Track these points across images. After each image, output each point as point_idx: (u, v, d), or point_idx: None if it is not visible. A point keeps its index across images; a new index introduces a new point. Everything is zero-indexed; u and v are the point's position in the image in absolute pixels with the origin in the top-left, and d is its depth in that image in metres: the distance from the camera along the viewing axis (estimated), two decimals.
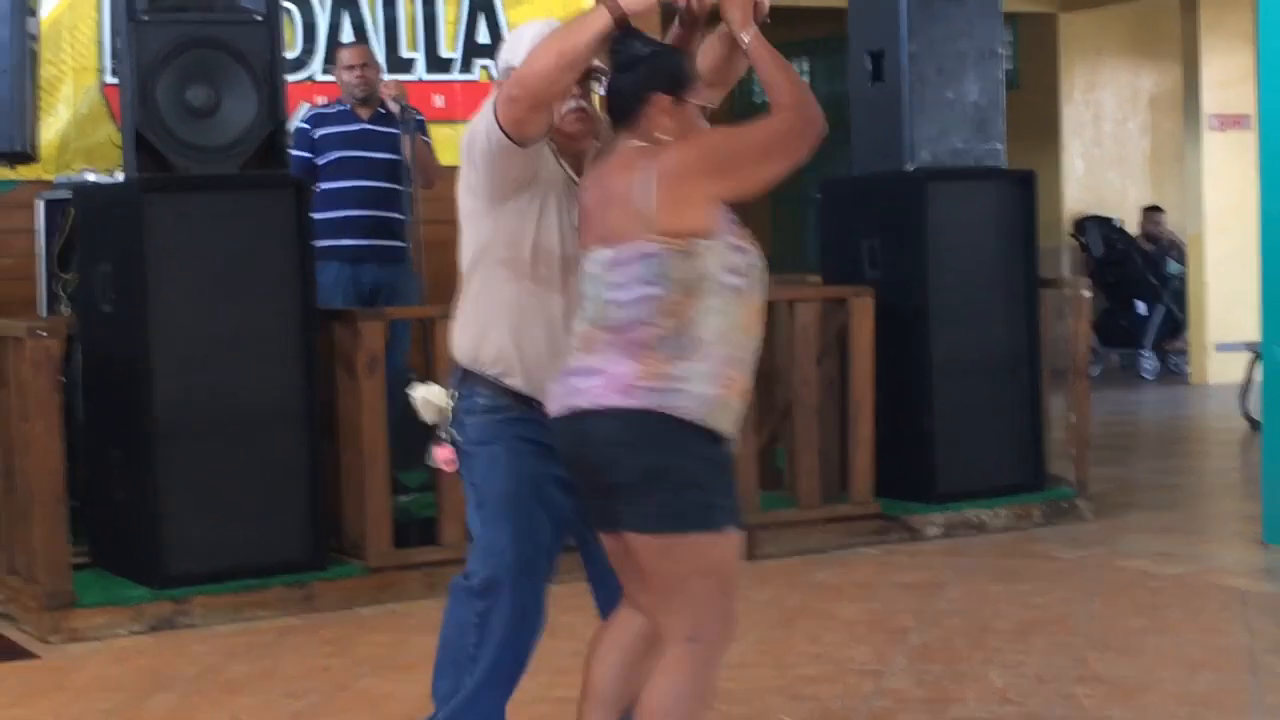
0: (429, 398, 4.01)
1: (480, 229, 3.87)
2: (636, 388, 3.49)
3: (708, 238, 3.54)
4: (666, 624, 3.62)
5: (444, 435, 3.96)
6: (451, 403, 3.95)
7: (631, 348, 3.52)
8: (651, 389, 3.49)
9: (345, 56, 7.86)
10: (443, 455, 3.96)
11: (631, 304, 3.53)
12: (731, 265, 3.57)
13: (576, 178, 3.83)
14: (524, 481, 3.88)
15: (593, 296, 3.61)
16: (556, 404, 3.63)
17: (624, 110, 3.66)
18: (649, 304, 3.51)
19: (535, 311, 3.83)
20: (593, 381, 3.54)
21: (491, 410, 3.89)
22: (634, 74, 3.63)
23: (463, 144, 3.87)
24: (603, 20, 3.58)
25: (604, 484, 3.59)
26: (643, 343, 3.51)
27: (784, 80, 3.68)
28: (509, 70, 3.80)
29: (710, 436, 3.55)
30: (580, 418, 3.56)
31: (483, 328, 3.89)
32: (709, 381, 3.52)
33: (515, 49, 3.86)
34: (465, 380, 3.93)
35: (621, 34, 3.63)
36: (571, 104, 3.80)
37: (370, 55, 7.96)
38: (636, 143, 3.64)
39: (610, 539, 3.71)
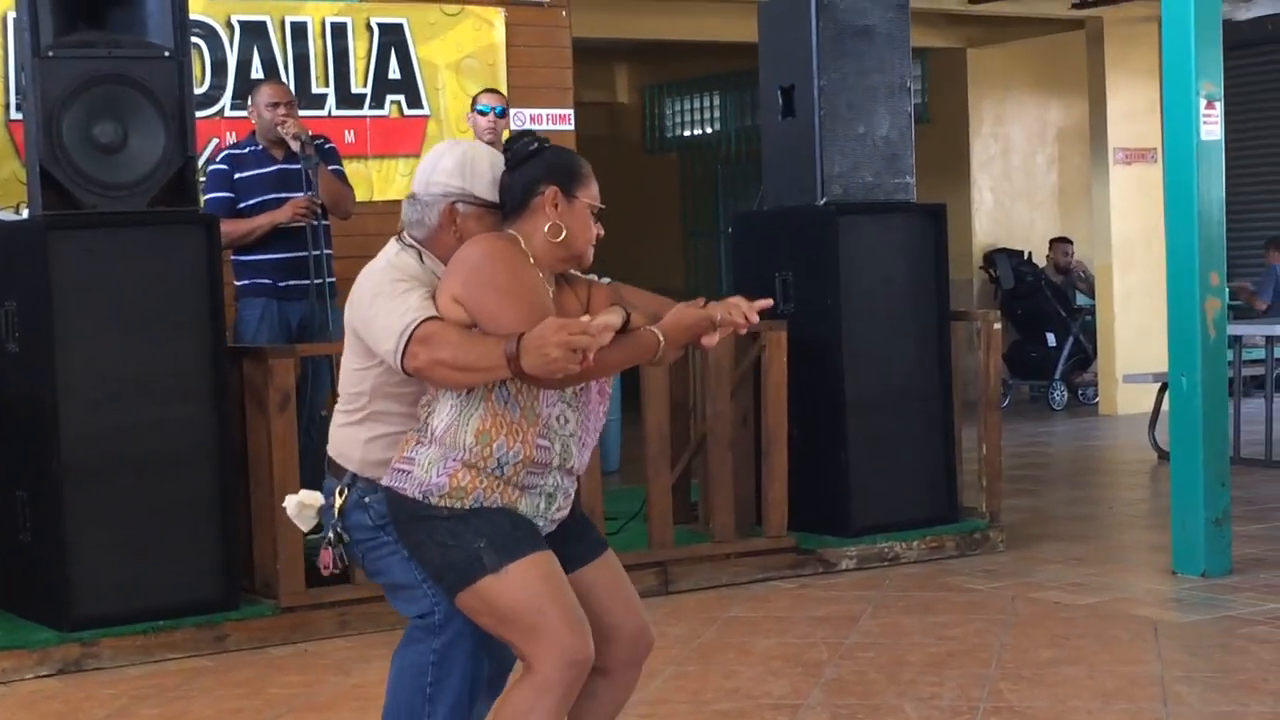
0: (304, 501, 3.90)
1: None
2: (382, 465, 3.71)
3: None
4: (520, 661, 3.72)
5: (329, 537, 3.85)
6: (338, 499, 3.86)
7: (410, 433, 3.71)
8: (393, 469, 3.68)
9: (266, 94, 7.75)
10: (324, 559, 3.86)
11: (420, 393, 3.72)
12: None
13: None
14: None
15: None
16: None
17: (513, 200, 3.73)
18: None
19: None
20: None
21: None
22: (526, 169, 3.72)
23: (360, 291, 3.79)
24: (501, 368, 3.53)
25: None
26: (413, 426, 3.71)
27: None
28: (455, 191, 3.78)
29: (437, 508, 3.62)
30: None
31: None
32: (431, 469, 3.63)
33: (472, 174, 3.79)
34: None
35: (515, 134, 3.80)
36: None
37: (291, 93, 7.88)
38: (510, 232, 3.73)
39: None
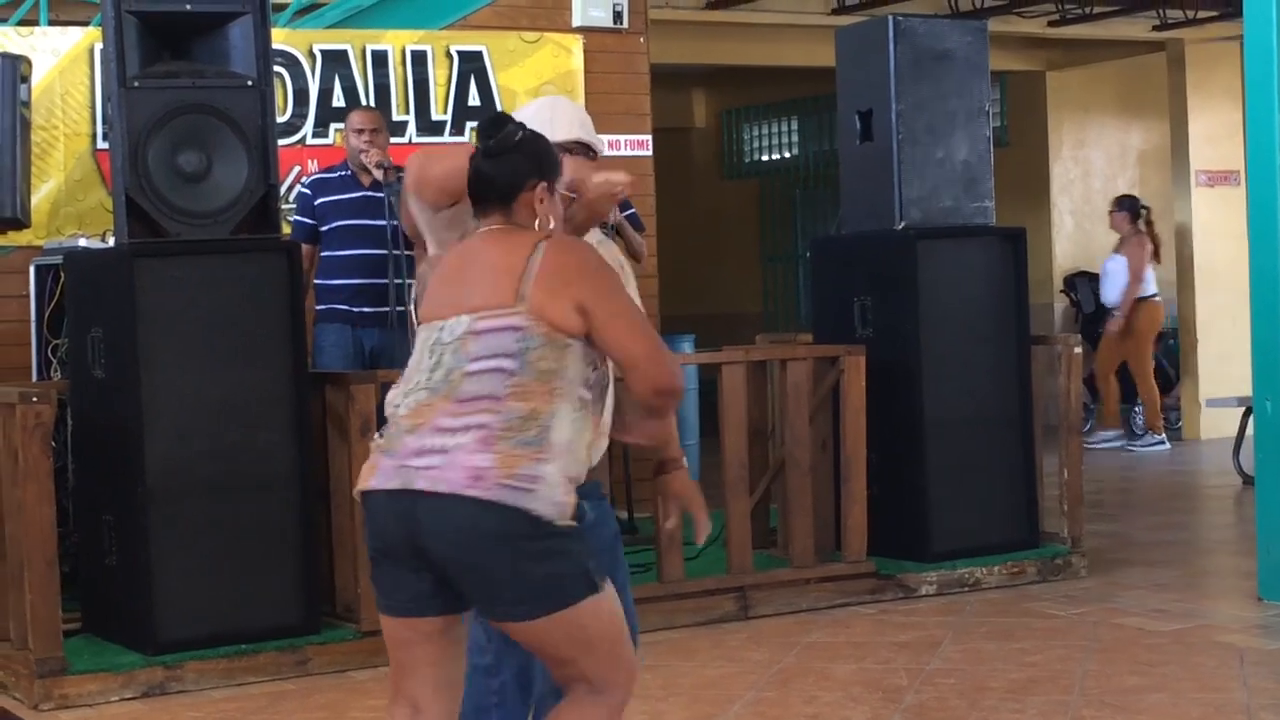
0: None
1: None
2: (487, 479, 3.36)
3: (573, 337, 3.47)
4: (568, 688, 3.54)
5: None
6: None
7: (481, 433, 3.38)
8: (504, 484, 3.35)
9: (354, 120, 7.83)
10: None
11: (485, 375, 3.42)
12: (586, 378, 3.51)
13: None
14: None
15: (446, 366, 3.47)
16: (385, 479, 3.46)
17: (496, 193, 3.60)
18: (499, 378, 3.41)
19: None
20: (433, 461, 3.40)
21: None
22: (510, 159, 3.59)
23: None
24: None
25: (446, 569, 3.43)
26: (488, 427, 3.38)
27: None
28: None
29: (562, 529, 3.42)
30: (416, 498, 3.40)
31: None
32: (558, 487, 3.41)
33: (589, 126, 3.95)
34: None
35: (492, 118, 3.64)
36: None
37: (381, 121, 7.91)
38: (502, 225, 3.60)
39: (407, 624, 3.53)
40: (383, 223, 7.57)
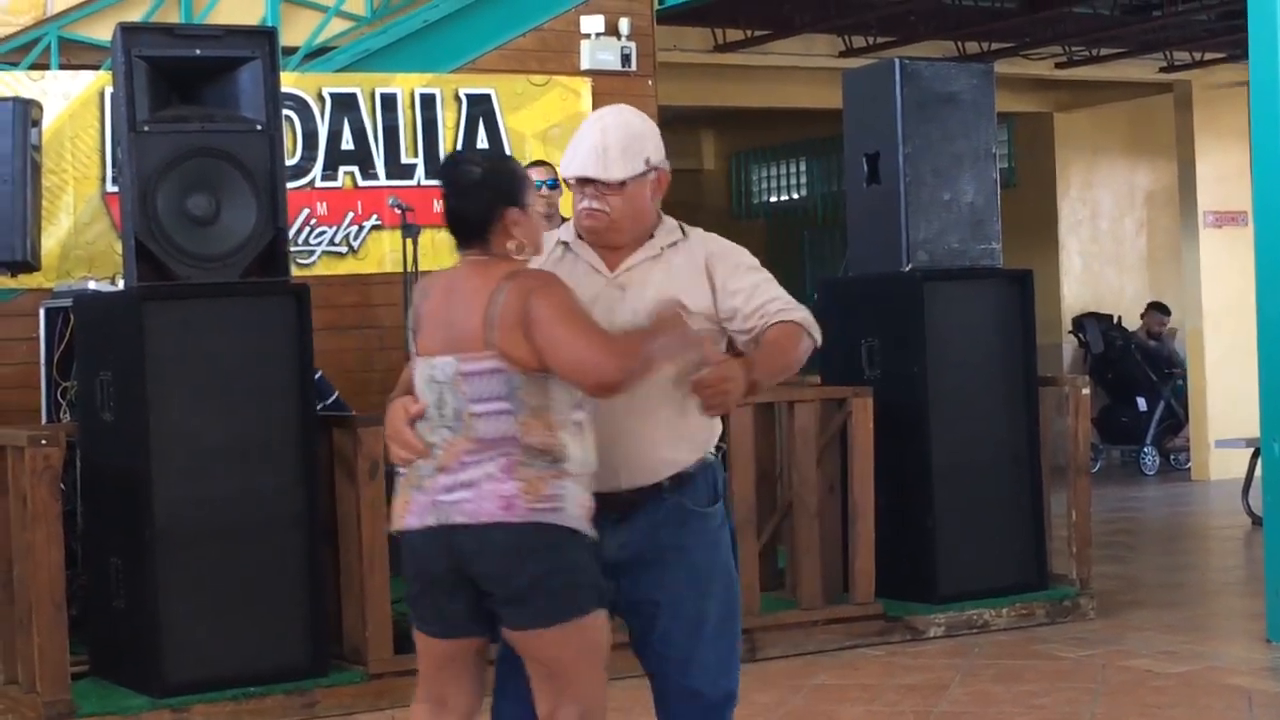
0: None
1: None
2: (517, 505, 3.59)
3: (545, 371, 3.61)
4: (558, 709, 3.71)
5: None
6: None
7: (504, 462, 3.60)
8: (532, 508, 3.58)
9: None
10: None
11: (492, 417, 3.61)
12: (576, 401, 3.66)
13: (609, 270, 3.90)
14: None
15: (451, 405, 3.65)
16: (421, 517, 3.68)
17: (473, 229, 3.74)
18: (507, 420, 3.61)
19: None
20: (465, 495, 3.62)
21: None
22: (477, 195, 3.72)
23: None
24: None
25: (481, 593, 3.67)
26: (510, 456, 3.60)
27: (644, 347, 3.63)
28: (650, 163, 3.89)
29: (582, 536, 3.66)
30: (453, 531, 3.63)
31: None
32: (578, 499, 3.64)
33: (653, 142, 3.92)
34: None
35: (449, 158, 3.83)
36: (584, 204, 3.87)
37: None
38: (481, 256, 3.73)
39: (454, 644, 3.78)
40: None
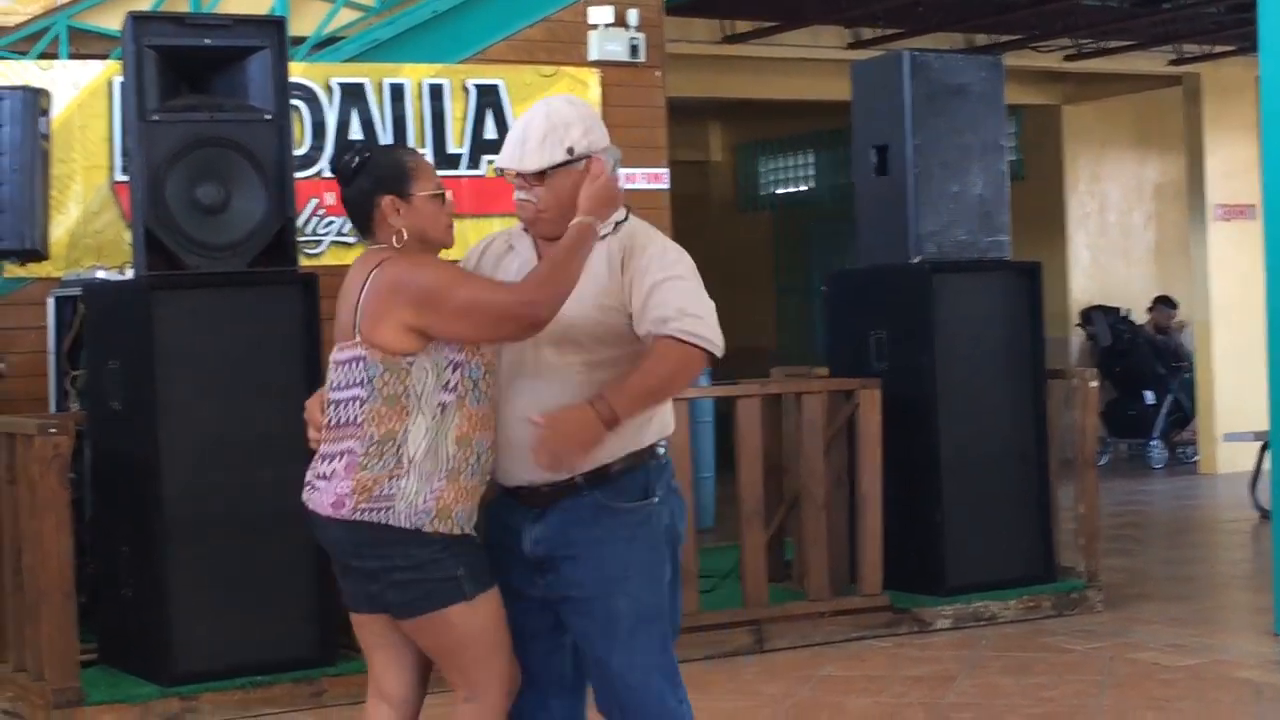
0: None
1: None
2: (346, 504, 3.69)
3: (410, 356, 3.65)
4: (458, 698, 3.82)
5: None
6: None
7: (346, 458, 3.70)
8: (359, 507, 3.67)
9: None
10: None
11: (343, 404, 3.71)
12: (444, 383, 3.67)
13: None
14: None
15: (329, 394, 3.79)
16: (305, 494, 3.85)
17: (359, 219, 3.82)
18: (354, 406, 3.69)
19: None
20: (321, 486, 3.77)
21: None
22: (356, 184, 3.78)
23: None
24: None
25: (353, 575, 3.80)
26: (352, 453, 3.69)
27: (549, 271, 3.66)
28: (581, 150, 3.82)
29: (427, 535, 3.67)
30: (314, 517, 3.80)
31: None
32: (417, 497, 3.66)
33: (579, 129, 3.84)
34: None
35: (339, 148, 3.83)
36: (515, 195, 3.87)
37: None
38: (377, 245, 3.80)
39: (364, 617, 3.89)
40: None
